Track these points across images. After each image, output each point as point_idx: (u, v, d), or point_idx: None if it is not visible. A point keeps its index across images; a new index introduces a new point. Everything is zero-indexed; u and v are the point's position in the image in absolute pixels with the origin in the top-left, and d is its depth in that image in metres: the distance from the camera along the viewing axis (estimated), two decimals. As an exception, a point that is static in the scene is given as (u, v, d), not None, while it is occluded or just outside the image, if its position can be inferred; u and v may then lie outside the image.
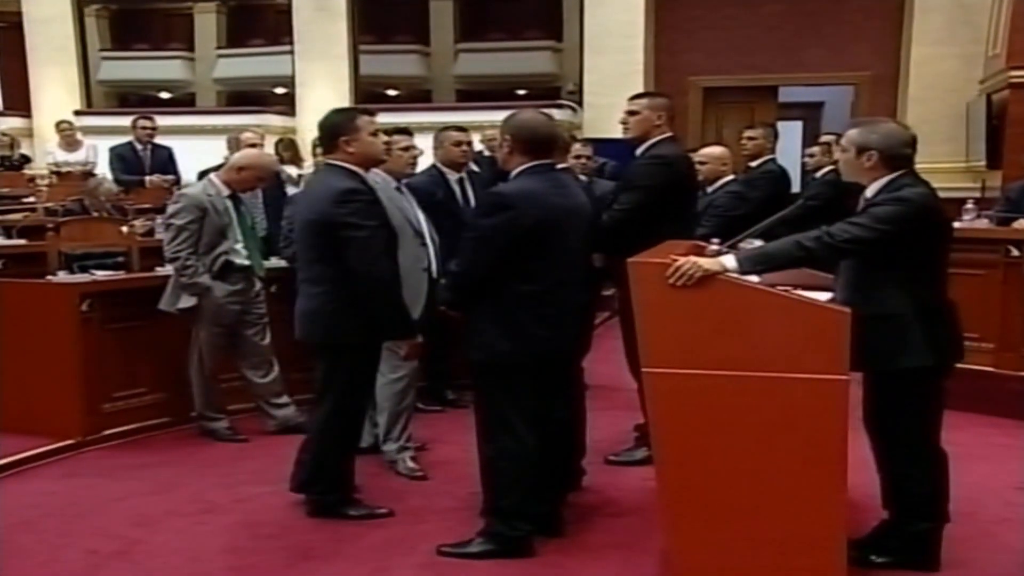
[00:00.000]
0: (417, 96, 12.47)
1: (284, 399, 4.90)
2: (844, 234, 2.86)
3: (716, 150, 5.24)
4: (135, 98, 12.87)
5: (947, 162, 8.75)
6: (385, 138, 3.66)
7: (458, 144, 5.03)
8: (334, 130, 3.52)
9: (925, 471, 3.04)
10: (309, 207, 3.56)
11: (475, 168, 5.99)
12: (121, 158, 7.96)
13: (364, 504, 3.76)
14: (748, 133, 5.86)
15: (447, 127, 5.19)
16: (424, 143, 5.09)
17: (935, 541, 3.11)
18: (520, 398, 3.20)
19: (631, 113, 4.15)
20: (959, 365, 4.82)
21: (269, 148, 7.70)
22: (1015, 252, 5.03)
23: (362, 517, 3.68)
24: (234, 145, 6.45)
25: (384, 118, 5.23)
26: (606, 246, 3.77)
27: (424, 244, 4.30)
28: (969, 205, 5.72)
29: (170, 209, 4.70)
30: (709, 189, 5.15)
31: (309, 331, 3.60)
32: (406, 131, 4.45)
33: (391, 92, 12.58)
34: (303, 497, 3.79)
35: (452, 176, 5.07)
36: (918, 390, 2.95)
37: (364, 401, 3.74)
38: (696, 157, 5.01)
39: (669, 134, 4.14)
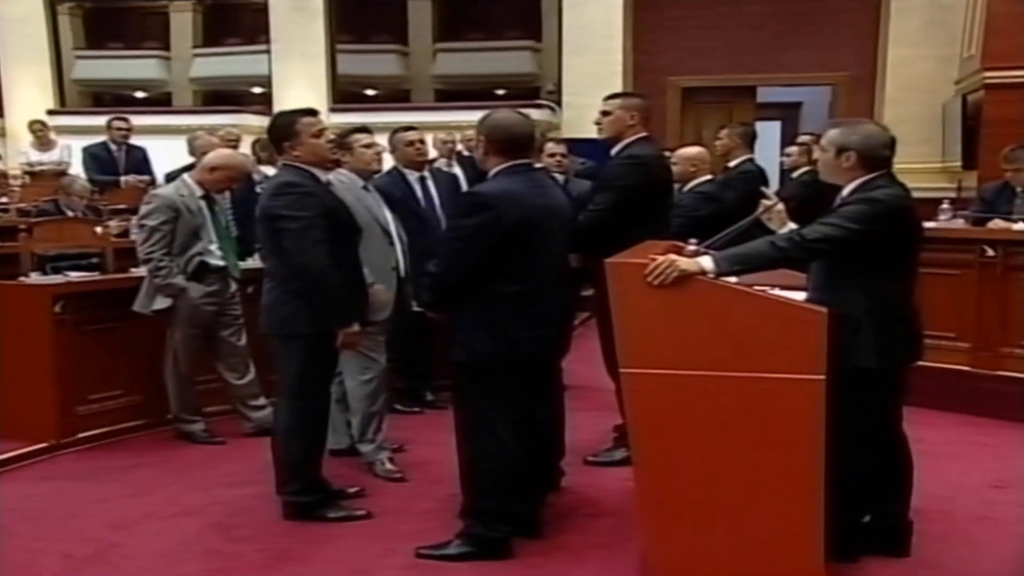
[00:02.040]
0: (395, 96, 12.46)
1: (261, 401, 4.88)
2: (815, 234, 2.90)
3: (687, 150, 5.26)
4: (110, 97, 12.79)
5: (923, 163, 8.83)
6: (331, 136, 3.68)
7: (410, 144, 5.03)
8: (277, 135, 3.61)
9: (879, 456, 3.10)
10: (260, 203, 3.65)
11: (456, 169, 6.01)
12: (95, 158, 7.90)
13: (342, 506, 3.76)
14: (719, 134, 5.91)
15: (398, 128, 5.19)
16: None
17: (861, 533, 3.16)
18: (502, 399, 3.20)
19: (604, 113, 4.18)
20: (938, 365, 4.96)
21: (246, 148, 7.67)
22: (990, 252, 5.07)
23: (340, 519, 3.68)
24: (191, 147, 6.39)
25: (362, 118, 5.21)
26: (582, 246, 3.78)
27: (392, 243, 4.31)
28: (945, 205, 5.77)
29: (142, 210, 4.68)
30: (685, 189, 5.18)
31: (266, 323, 3.65)
32: (365, 129, 4.46)
33: (369, 92, 12.57)
34: (277, 499, 3.79)
35: (412, 176, 5.08)
36: (869, 388, 2.98)
37: (322, 398, 3.72)
38: (671, 158, 5.04)
39: (644, 134, 4.16)
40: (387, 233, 4.30)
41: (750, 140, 6.02)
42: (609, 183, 4.11)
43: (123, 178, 7.77)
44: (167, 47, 12.72)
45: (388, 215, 4.39)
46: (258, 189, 6.45)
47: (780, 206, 3.37)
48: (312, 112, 3.70)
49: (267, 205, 3.53)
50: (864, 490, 3.11)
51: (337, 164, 4.22)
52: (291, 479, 3.68)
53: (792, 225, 3.26)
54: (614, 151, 4.17)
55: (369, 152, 4.31)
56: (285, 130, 3.57)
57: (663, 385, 2.80)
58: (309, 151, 3.57)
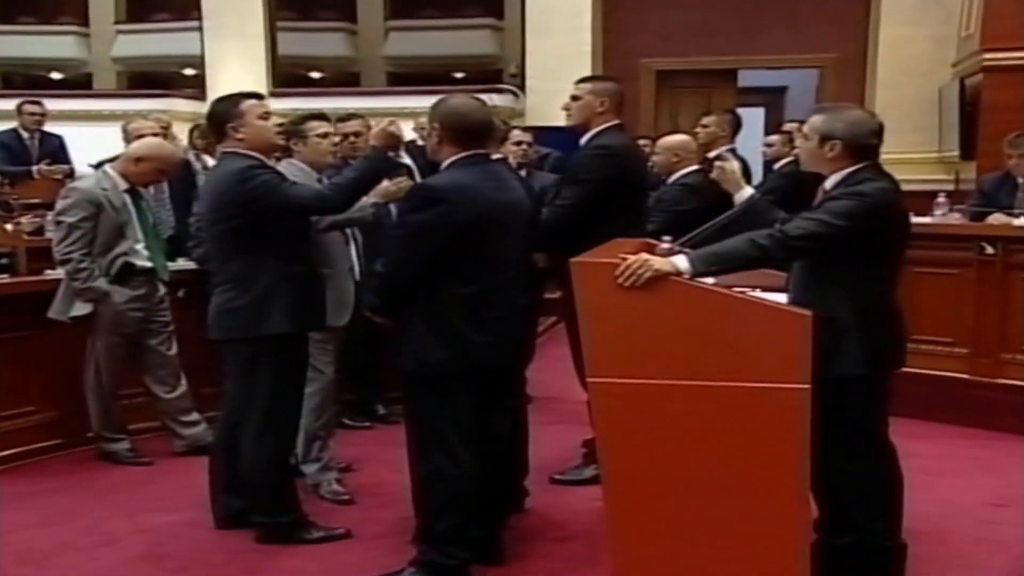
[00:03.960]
0: (343, 79, 12.40)
1: (194, 416, 4.86)
2: (798, 230, 2.91)
3: (669, 139, 5.28)
4: (20, 79, 12.60)
5: (918, 152, 8.92)
6: (278, 120, 3.67)
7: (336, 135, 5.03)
8: (219, 119, 3.63)
9: (865, 470, 3.12)
10: (212, 203, 3.63)
11: (407, 160, 6.00)
12: (4, 147, 7.76)
13: (319, 525, 3.78)
14: (703, 121, 5.94)
15: (343, 117, 5.20)
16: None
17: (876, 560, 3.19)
18: (456, 412, 3.21)
19: (574, 98, 4.20)
20: (933, 372, 5.03)
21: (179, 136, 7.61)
22: (990, 249, 5.14)
23: (320, 540, 3.71)
24: (125, 134, 6.34)
25: (307, 103, 5.17)
26: (548, 244, 3.79)
27: (348, 243, 4.30)
28: (941, 199, 5.82)
29: (59, 205, 4.62)
30: (669, 181, 5.20)
31: (224, 327, 3.61)
32: (323, 116, 4.44)
33: (314, 75, 12.50)
34: (211, 525, 3.79)
35: None
36: (853, 397, 3.02)
37: (296, 406, 3.76)
38: (653, 148, 5.08)
39: (614, 122, 4.19)
40: (343, 231, 4.30)
41: (736, 129, 6.08)
42: (577, 176, 4.13)
43: (35, 168, 7.66)
44: (86, 22, 12.55)
45: None
46: (200, 181, 6.42)
47: (735, 165, 3.42)
48: (258, 96, 3.73)
49: (237, 192, 3.49)
50: (851, 508, 3.14)
51: (288, 153, 4.20)
52: (267, 500, 3.70)
53: (749, 189, 3.31)
54: (583, 141, 4.20)
55: (325, 143, 4.29)
56: (228, 112, 3.59)
57: (635, 396, 2.81)
58: (255, 135, 3.58)
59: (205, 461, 3.94)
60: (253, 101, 3.64)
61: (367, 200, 4.28)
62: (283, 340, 3.58)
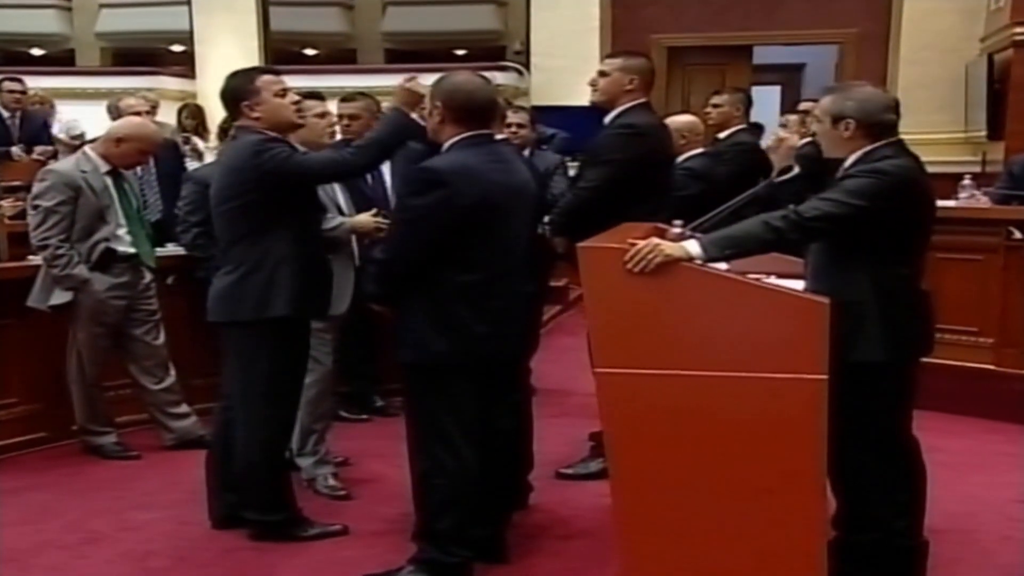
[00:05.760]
0: (339, 57, 12.40)
1: (183, 408, 4.87)
2: (813, 211, 2.90)
3: (674, 120, 5.27)
4: (0, 55, 12.62)
5: (943, 132, 8.89)
6: (295, 98, 3.66)
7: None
8: (233, 96, 3.58)
9: (886, 464, 3.12)
10: (225, 179, 3.59)
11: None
12: (-17, 127, 7.79)
13: (315, 522, 3.79)
14: (714, 100, 5.93)
15: (345, 96, 5.21)
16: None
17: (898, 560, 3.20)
18: (458, 405, 3.21)
19: (602, 74, 4.20)
20: (957, 363, 5.01)
21: (165, 117, 7.61)
22: (1017, 235, 5.11)
23: (316, 537, 3.72)
24: (115, 112, 6.36)
25: (301, 82, 5.17)
26: (569, 229, 3.78)
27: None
28: (966, 181, 5.80)
29: (36, 188, 4.60)
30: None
31: (229, 310, 3.59)
32: (319, 96, 4.44)
33: (309, 51, 12.52)
34: (202, 523, 3.79)
35: None
36: (874, 386, 3.02)
37: (294, 397, 3.75)
38: None
39: (642, 100, 4.18)
40: (343, 215, 4.31)
41: (748, 108, 6.07)
42: (600, 156, 4.12)
43: (14, 149, 7.67)
44: (68, -5, 12.58)
45: (340, 195, 4.39)
46: (188, 163, 6.44)
47: (795, 139, 3.39)
48: (274, 71, 3.70)
49: (251, 165, 3.45)
50: (871, 505, 3.15)
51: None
52: (260, 496, 3.70)
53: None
54: (608, 119, 4.19)
55: (323, 123, 4.30)
56: (242, 89, 3.55)
57: (643, 387, 2.81)
58: (271, 113, 3.54)
59: (195, 455, 3.95)
60: (269, 77, 3.60)
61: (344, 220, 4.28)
62: (285, 326, 3.57)
